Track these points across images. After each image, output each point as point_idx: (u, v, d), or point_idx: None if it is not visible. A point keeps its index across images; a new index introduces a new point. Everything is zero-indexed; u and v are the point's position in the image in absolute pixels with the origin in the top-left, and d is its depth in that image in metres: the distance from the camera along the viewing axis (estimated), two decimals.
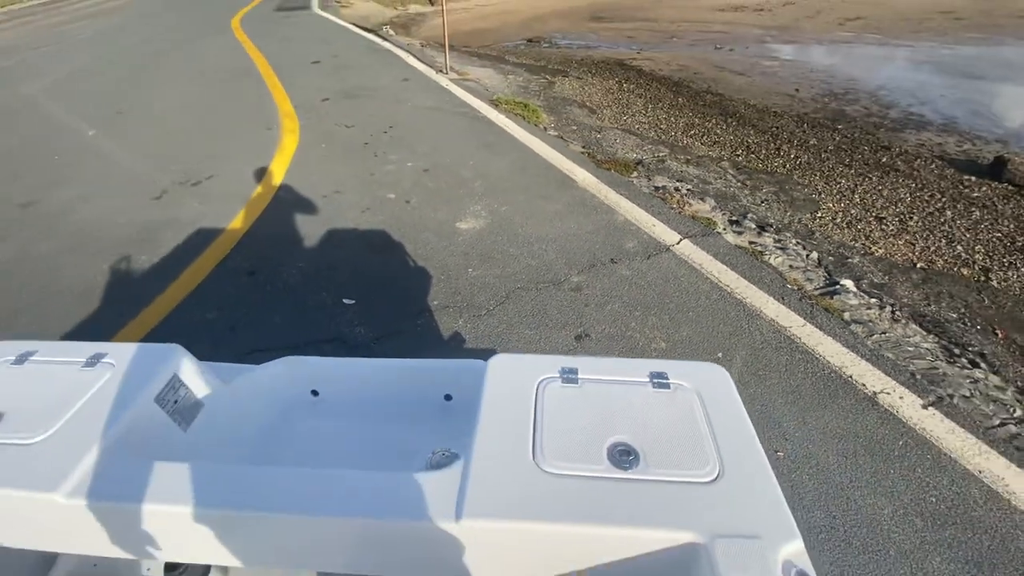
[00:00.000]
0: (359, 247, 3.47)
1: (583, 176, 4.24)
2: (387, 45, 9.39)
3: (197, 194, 4.25)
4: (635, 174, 4.47)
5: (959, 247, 3.99)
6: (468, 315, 2.78)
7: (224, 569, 1.08)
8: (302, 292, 3.03)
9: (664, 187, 4.19)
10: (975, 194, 4.88)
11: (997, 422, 2.12)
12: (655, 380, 0.90)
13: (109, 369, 0.96)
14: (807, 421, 2.10)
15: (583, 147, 5.09)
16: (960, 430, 2.05)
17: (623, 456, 0.77)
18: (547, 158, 4.60)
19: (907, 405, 2.15)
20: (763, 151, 5.77)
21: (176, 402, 0.97)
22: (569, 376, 0.90)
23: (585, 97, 7.17)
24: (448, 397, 1.17)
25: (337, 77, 7.36)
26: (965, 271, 3.70)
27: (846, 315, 2.69)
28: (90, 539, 0.80)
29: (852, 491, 1.84)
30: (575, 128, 5.72)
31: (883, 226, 4.23)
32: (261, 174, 4.51)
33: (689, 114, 6.96)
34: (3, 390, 0.93)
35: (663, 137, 5.98)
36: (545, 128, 5.53)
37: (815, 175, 5.16)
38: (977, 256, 3.88)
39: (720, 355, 2.44)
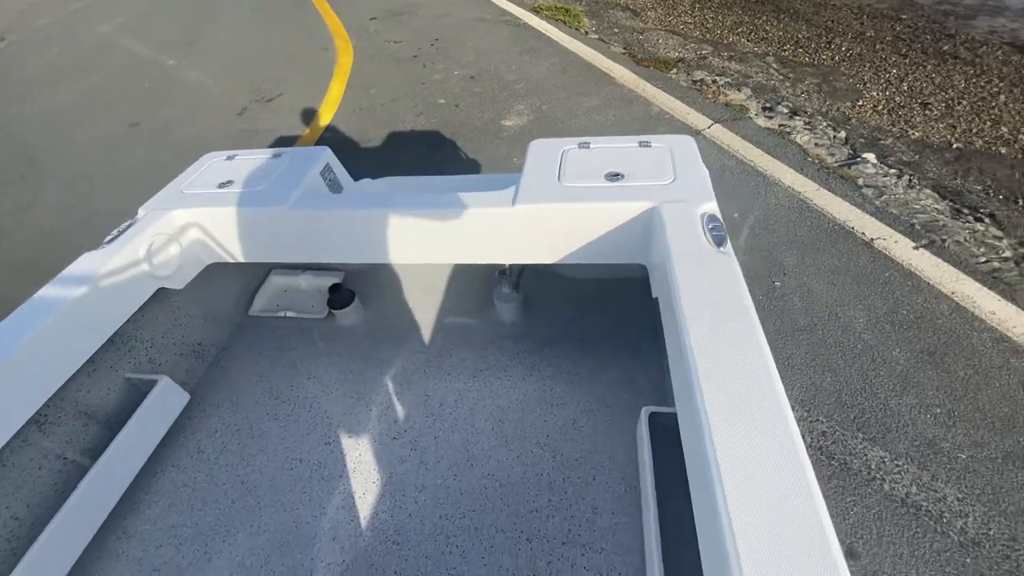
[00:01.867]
0: (416, 144, 3.92)
1: (622, 73, 4.43)
2: None
3: (272, 109, 4.78)
4: (674, 71, 4.60)
5: (1004, 128, 3.97)
6: None
7: (352, 296, 1.63)
8: None
9: (702, 80, 4.33)
10: None
11: (983, 260, 2.39)
12: (642, 143, 1.32)
13: (289, 159, 1.48)
14: (805, 260, 2.45)
15: (624, 48, 5.19)
16: (945, 264, 2.34)
17: (613, 176, 1.20)
18: (588, 59, 4.78)
19: (899, 247, 2.45)
20: (812, 45, 5.63)
21: (329, 180, 1.49)
22: (584, 145, 1.33)
23: (629, 1, 7.04)
24: None
25: None
26: (1004, 150, 3.72)
27: (860, 181, 2.92)
28: (296, 244, 1.34)
29: (835, 307, 2.22)
30: (617, 31, 5.76)
31: (927, 111, 4.22)
32: (324, 88, 4.96)
33: (739, 12, 6.73)
34: (228, 170, 1.47)
35: (708, 36, 5.91)
36: (586, 32, 5.62)
37: (864, 66, 5.06)
38: (1022, 135, 3.86)
39: (736, 215, 2.78)
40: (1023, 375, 1.91)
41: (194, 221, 1.36)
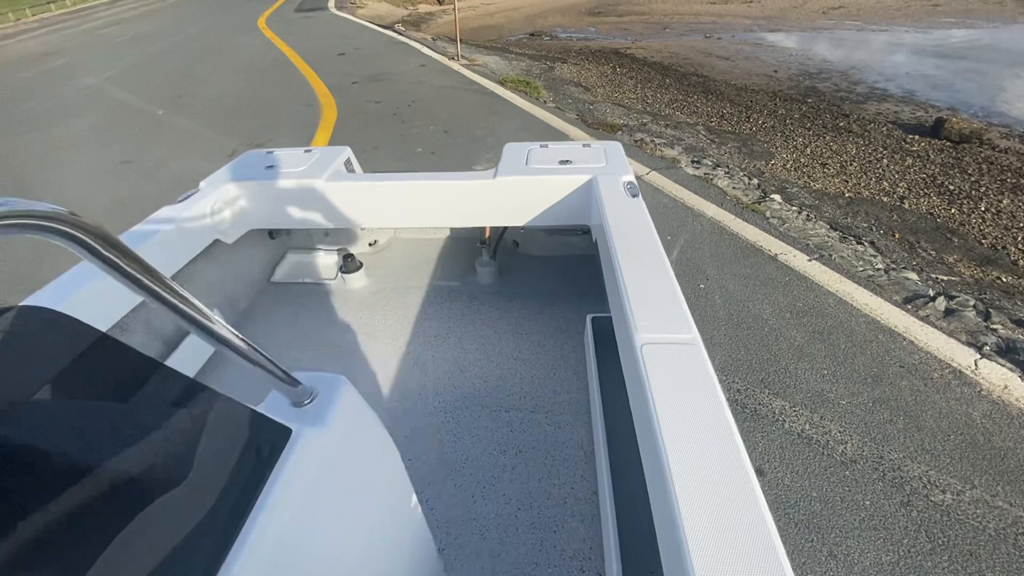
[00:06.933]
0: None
1: (575, 133, 5.15)
2: (402, 39, 10.35)
3: None
4: (619, 132, 5.37)
5: (886, 183, 4.84)
6: None
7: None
8: None
9: (642, 139, 5.09)
10: (913, 148, 5.72)
11: (861, 270, 2.99)
12: (584, 145, 1.81)
13: (319, 152, 1.90)
14: (723, 269, 2.99)
15: (577, 114, 6.00)
16: (831, 272, 2.93)
17: (564, 163, 1.68)
18: (546, 121, 5.52)
19: (797, 260, 3.04)
20: (735, 119, 6.64)
21: (350, 170, 1.91)
22: (543, 145, 1.83)
23: (581, 79, 8.07)
24: None
25: (362, 65, 8.33)
26: (886, 199, 4.55)
27: (767, 214, 3.57)
28: (326, 212, 1.73)
29: (747, 303, 2.73)
30: (571, 101, 6.63)
31: (825, 170, 5.10)
32: (310, 138, 5.46)
33: (674, 92, 7.84)
34: (269, 159, 1.87)
35: (648, 109, 6.86)
36: (545, 101, 6.44)
37: (776, 135, 6.02)
38: (899, 189, 4.73)
39: (669, 238, 3.33)
40: (887, 346, 2.43)
41: (245, 192, 1.74)
